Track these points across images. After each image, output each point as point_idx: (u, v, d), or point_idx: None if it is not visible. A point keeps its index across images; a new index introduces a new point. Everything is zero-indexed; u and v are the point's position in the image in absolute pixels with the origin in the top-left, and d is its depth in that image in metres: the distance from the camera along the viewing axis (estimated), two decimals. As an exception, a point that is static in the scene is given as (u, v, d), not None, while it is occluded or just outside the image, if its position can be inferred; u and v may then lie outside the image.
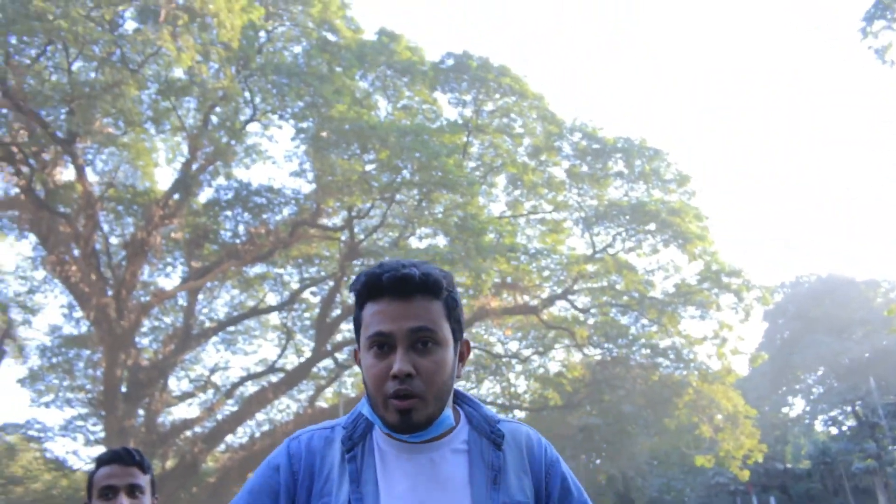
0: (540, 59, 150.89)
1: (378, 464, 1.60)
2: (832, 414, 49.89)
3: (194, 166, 24.32)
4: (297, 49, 25.35)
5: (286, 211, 25.85)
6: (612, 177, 27.80)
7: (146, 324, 27.04)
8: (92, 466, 2.77)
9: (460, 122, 26.41)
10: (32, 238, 24.30)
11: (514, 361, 31.07)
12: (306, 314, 29.77)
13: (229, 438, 29.11)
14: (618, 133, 29.30)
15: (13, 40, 18.62)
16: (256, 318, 29.95)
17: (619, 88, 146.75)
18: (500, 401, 32.79)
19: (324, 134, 22.84)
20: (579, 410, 32.31)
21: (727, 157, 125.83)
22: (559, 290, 28.05)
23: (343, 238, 26.17)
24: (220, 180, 25.65)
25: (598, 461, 40.18)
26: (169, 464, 26.98)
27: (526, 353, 30.97)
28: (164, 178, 77.20)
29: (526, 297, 27.46)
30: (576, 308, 28.41)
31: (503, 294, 27.05)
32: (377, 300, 1.60)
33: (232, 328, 29.40)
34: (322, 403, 30.45)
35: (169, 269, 27.42)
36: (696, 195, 27.81)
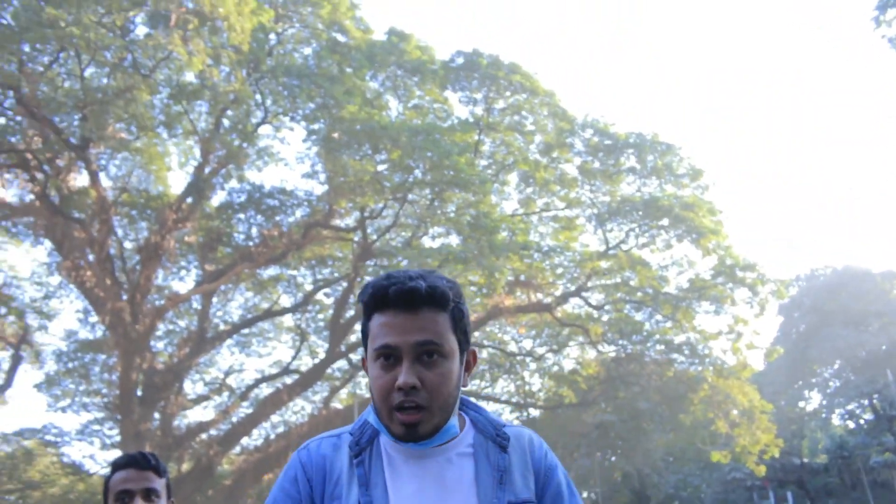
0: (550, 55, 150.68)
1: (386, 468, 1.62)
2: (849, 407, 49.62)
3: (207, 170, 24.39)
4: (308, 51, 25.39)
5: (299, 212, 25.94)
6: (624, 172, 27.69)
7: (161, 327, 27.16)
8: (108, 471, 2.76)
9: (471, 120, 26.37)
10: (48, 244, 24.48)
11: (528, 359, 31.04)
12: (320, 315, 29.84)
13: (244, 441, 29.21)
14: (630, 128, 29.25)
15: (26, 48, 18.72)
16: (270, 320, 30.03)
17: (631, 84, 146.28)
18: (514, 399, 32.79)
19: (335, 135, 22.86)
20: (594, 408, 32.27)
21: (740, 151, 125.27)
22: (573, 288, 27.97)
23: (356, 239, 26.20)
24: (233, 183, 25.78)
25: (613, 458, 40.13)
26: (185, 467, 27.09)
27: (540, 350, 30.93)
28: (177, 182, 77.55)
29: (539, 295, 27.41)
30: (590, 305, 28.35)
31: (517, 292, 27.01)
32: (384, 312, 1.62)
33: (246, 330, 29.48)
34: (337, 405, 30.51)
35: (183, 272, 27.59)
36: (709, 189, 27.65)
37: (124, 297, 23.65)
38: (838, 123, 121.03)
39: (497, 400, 32.47)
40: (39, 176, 21.83)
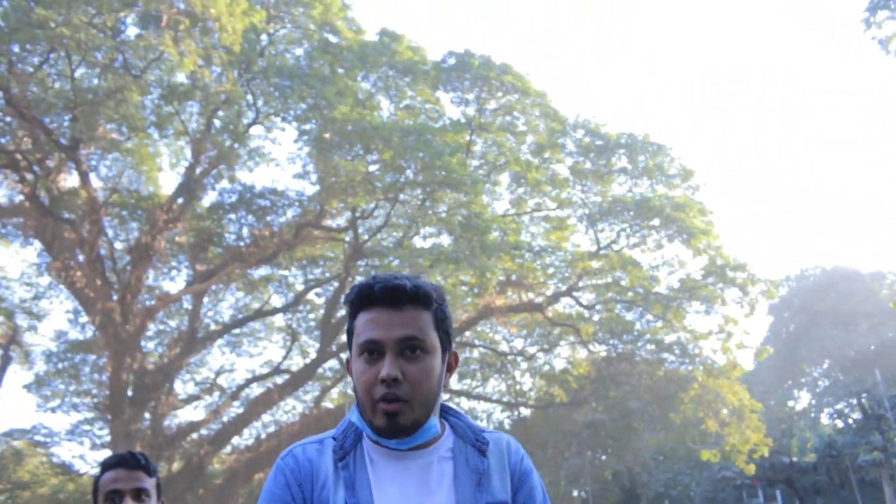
0: (542, 56, 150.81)
1: (370, 470, 1.65)
2: (838, 407, 49.88)
3: (198, 170, 24.34)
4: (299, 51, 25.35)
5: (290, 213, 25.90)
6: (615, 173, 27.75)
7: (151, 328, 27.09)
8: (98, 471, 2.76)
9: (463, 120, 26.38)
10: (37, 244, 24.37)
11: (519, 359, 31.08)
12: (311, 315, 29.83)
13: (235, 440, 29.18)
14: (621, 129, 29.21)
15: (16, 48, 18.63)
16: (261, 320, 29.98)
17: (622, 84, 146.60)
18: (506, 398, 32.84)
19: (327, 135, 22.84)
20: (585, 407, 32.35)
21: (731, 151, 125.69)
22: (564, 287, 28.03)
23: (347, 239, 26.20)
24: (224, 184, 25.73)
25: (604, 457, 40.20)
26: (175, 466, 27.05)
27: (531, 350, 30.97)
28: (167, 182, 77.36)
29: (531, 295, 27.46)
30: (581, 305, 28.40)
31: (508, 292, 27.06)
32: (369, 309, 1.67)
33: (237, 330, 29.43)
34: (328, 404, 30.49)
35: (174, 272, 27.53)
36: (699, 190, 27.76)
37: (114, 298, 23.57)
38: (829, 124, 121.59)
39: (488, 399, 32.53)
40: (29, 176, 21.72)
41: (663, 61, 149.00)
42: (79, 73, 20.49)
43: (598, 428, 34.40)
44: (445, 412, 1.81)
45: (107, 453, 26.52)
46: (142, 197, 25.47)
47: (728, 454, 27.85)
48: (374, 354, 1.64)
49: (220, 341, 28.92)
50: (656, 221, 26.60)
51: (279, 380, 28.71)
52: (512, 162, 27.39)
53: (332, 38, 25.37)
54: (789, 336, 56.43)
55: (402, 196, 24.04)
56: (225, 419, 28.22)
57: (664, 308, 26.99)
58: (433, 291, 1.71)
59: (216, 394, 29.98)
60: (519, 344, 31.35)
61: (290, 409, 31.43)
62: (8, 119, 20.18)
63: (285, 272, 28.38)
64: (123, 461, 2.68)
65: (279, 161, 50.88)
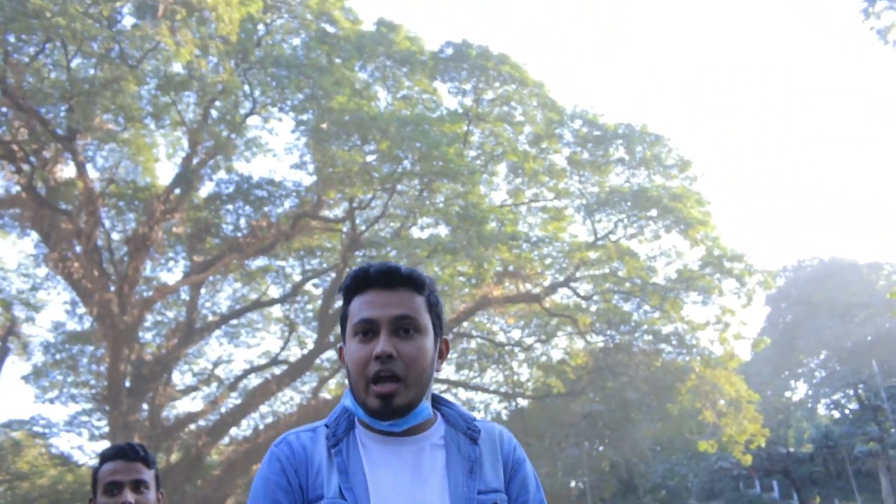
0: (539, 46, 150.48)
1: (363, 456, 1.67)
2: (835, 397, 49.88)
3: (195, 161, 24.29)
4: (296, 41, 25.29)
5: (287, 203, 25.87)
6: (613, 163, 27.72)
7: (149, 319, 27.05)
8: (96, 462, 2.77)
9: (460, 111, 26.33)
10: (34, 235, 24.33)
11: (516, 350, 31.10)
12: (309, 306, 29.80)
13: (233, 431, 29.18)
14: (619, 119, 29.23)
15: (11, 38, 18.59)
16: (259, 311, 29.96)
17: (620, 75, 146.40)
18: (503, 389, 32.86)
19: (324, 126, 22.80)
20: (582, 398, 32.37)
21: (728, 142, 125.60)
22: (561, 278, 28.04)
23: (345, 229, 26.18)
24: (221, 174, 25.67)
25: (601, 448, 40.24)
26: (173, 457, 27.05)
27: (528, 341, 30.99)
28: (164, 173, 77.00)
29: (528, 286, 27.47)
30: (578, 295, 28.41)
31: (505, 282, 27.07)
32: (364, 292, 1.74)
33: (235, 321, 29.41)
34: (325, 395, 30.48)
35: (171, 263, 27.49)
36: (697, 180, 27.72)
37: (112, 289, 23.56)
38: (826, 116, 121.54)
39: (486, 390, 32.56)
40: (26, 167, 21.67)
41: (661, 53, 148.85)
42: (75, 63, 20.43)
43: (595, 419, 34.40)
44: (437, 402, 1.83)
45: (105, 444, 26.59)
46: (139, 187, 25.42)
47: (725, 445, 27.87)
48: (368, 334, 1.68)
49: (217, 332, 28.93)
50: (654, 212, 26.59)
51: (277, 370, 28.72)
52: (509, 152, 27.34)
53: (330, 28, 25.30)
54: (786, 327, 56.53)
55: (399, 186, 24.02)
56: (223, 410, 28.22)
57: (661, 299, 27.00)
58: (426, 278, 1.77)
59: (214, 385, 30.01)
60: (516, 334, 31.39)
61: (288, 399, 31.47)
62: (4, 109, 20.14)
63: (283, 263, 28.37)
64: (122, 453, 2.69)
65: (276, 151, 50.47)
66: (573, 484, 42.89)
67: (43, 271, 26.25)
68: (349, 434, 1.71)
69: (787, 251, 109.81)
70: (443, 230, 24.88)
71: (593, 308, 28.49)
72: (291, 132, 29.07)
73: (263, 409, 30.14)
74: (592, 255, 27.18)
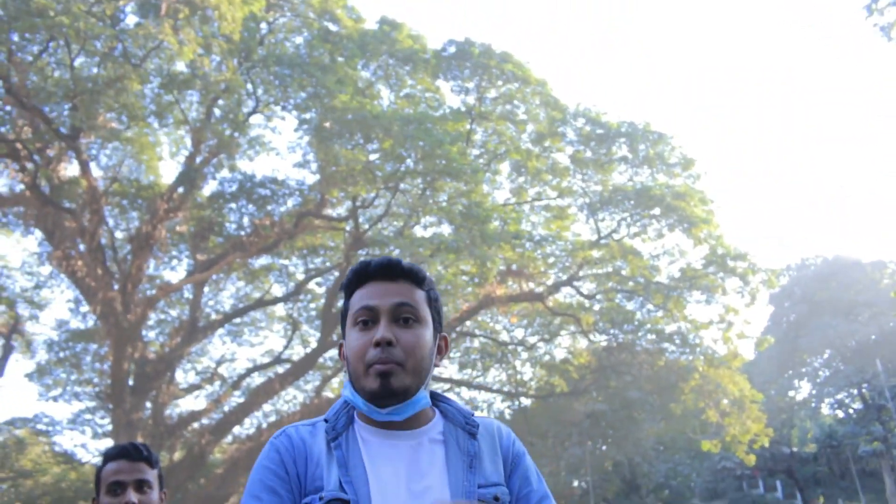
0: (542, 44, 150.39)
1: (363, 450, 1.67)
2: (839, 397, 49.83)
3: (198, 159, 24.31)
4: (299, 40, 25.23)
5: (290, 202, 25.83)
6: (616, 162, 27.66)
7: (152, 317, 27.10)
8: (100, 460, 2.77)
9: (463, 109, 26.30)
10: (38, 234, 24.37)
11: (519, 349, 31.06)
12: (312, 305, 29.79)
13: (236, 430, 29.18)
14: (621, 118, 29.10)
15: (15, 37, 18.59)
16: (262, 310, 29.95)
17: (623, 73, 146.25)
18: (506, 388, 32.85)
19: (327, 124, 22.79)
20: (585, 397, 32.35)
21: (731, 141, 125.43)
22: (564, 277, 27.99)
23: (348, 228, 26.18)
24: (224, 173, 25.66)
25: (604, 447, 40.24)
26: (177, 456, 27.08)
27: (532, 340, 30.96)
28: (168, 171, 77.19)
29: (531, 284, 27.44)
30: (581, 294, 28.38)
31: (508, 281, 27.04)
32: (365, 285, 1.76)
33: (238, 320, 29.41)
34: (329, 394, 30.49)
35: (174, 262, 27.49)
36: (700, 179, 27.65)
37: (115, 287, 23.58)
38: (830, 114, 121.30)
39: (489, 389, 32.54)
40: (29, 166, 21.70)
41: (663, 52, 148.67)
42: (78, 61, 20.45)
43: (598, 418, 34.41)
44: (435, 398, 1.84)
45: (108, 442, 26.65)
46: (142, 186, 25.45)
47: (728, 444, 27.84)
48: (368, 323, 1.69)
49: (220, 331, 28.94)
50: (657, 210, 26.54)
51: (280, 369, 28.74)
52: (512, 151, 27.31)
53: (332, 27, 25.30)
54: (790, 326, 56.37)
55: (402, 185, 24.01)
56: (226, 409, 28.25)
57: (665, 298, 26.96)
58: (426, 274, 1.79)
59: (217, 383, 30.00)
60: (519, 333, 31.36)
61: (291, 398, 31.47)
62: (8, 108, 20.18)
63: (286, 261, 28.37)
64: (126, 453, 2.69)
65: (279, 150, 50.81)
66: (576, 483, 42.92)
67: (47, 269, 26.32)
68: (348, 429, 1.72)
69: (790, 250, 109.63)
70: (446, 229, 24.88)
71: (596, 307, 28.45)
72: (294, 131, 29.05)
73: (266, 407, 30.18)
74: (596, 253, 27.14)
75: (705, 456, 40.67)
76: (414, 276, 1.76)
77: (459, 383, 30.62)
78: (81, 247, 23.11)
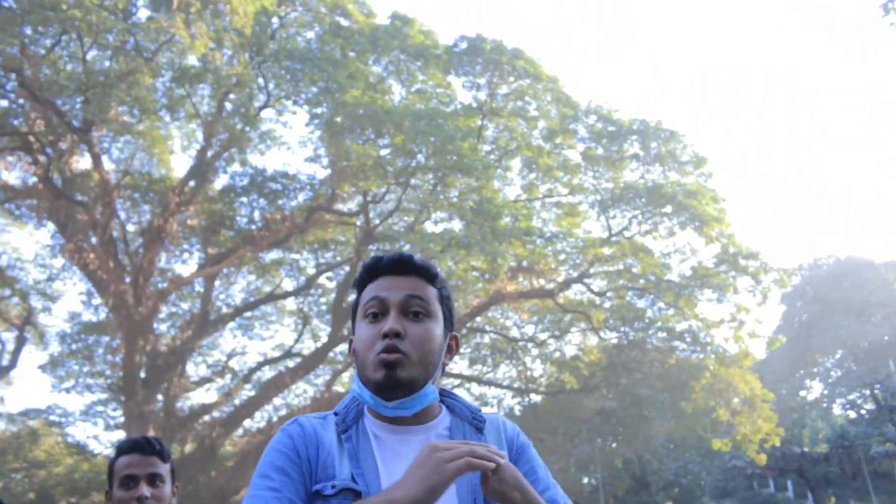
0: (554, 41, 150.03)
1: (373, 444, 1.67)
2: (851, 397, 49.56)
3: (209, 153, 24.40)
4: (310, 34, 25.28)
5: (301, 196, 25.86)
6: (627, 159, 27.57)
7: (164, 310, 27.21)
8: (112, 453, 2.78)
9: (475, 105, 26.27)
10: (51, 226, 24.52)
11: (530, 345, 31.01)
12: (322, 299, 29.83)
13: (247, 423, 29.30)
14: (633, 115, 28.98)
15: (28, 31, 18.71)
16: (273, 304, 30.03)
17: (634, 71, 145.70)
18: (516, 384, 32.82)
19: (338, 119, 22.82)
20: (596, 394, 32.29)
21: (743, 140, 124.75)
22: (575, 274, 27.92)
23: (358, 223, 26.20)
24: (236, 167, 25.71)
25: (614, 444, 40.18)
26: (188, 448, 27.21)
27: (542, 336, 30.89)
28: (179, 165, 77.61)
29: (542, 281, 27.40)
30: (592, 291, 28.31)
31: (519, 278, 26.99)
32: (375, 280, 1.75)
33: (249, 314, 29.50)
34: (339, 388, 30.56)
35: (186, 255, 27.55)
36: (712, 177, 27.52)
37: (127, 280, 23.72)
38: (843, 112, 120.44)
39: (499, 385, 32.52)
40: (42, 159, 21.84)
41: (675, 50, 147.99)
42: (90, 55, 20.51)
43: (608, 415, 34.35)
44: (442, 394, 1.83)
45: (120, 434, 26.84)
46: (154, 179, 25.53)
47: (739, 443, 27.75)
48: (378, 316, 1.69)
49: (231, 324, 29.04)
50: (668, 208, 26.43)
51: (291, 363, 28.80)
52: (523, 147, 27.24)
53: (344, 22, 25.30)
54: (802, 325, 56.11)
55: (413, 180, 24.01)
56: (237, 402, 28.36)
57: (676, 296, 26.86)
58: (439, 272, 1.79)
59: (228, 376, 30.13)
60: (530, 330, 31.29)
61: (302, 392, 31.54)
62: (21, 101, 20.30)
63: (297, 256, 28.40)
64: (139, 446, 2.70)
65: (290, 144, 50.78)
66: (586, 480, 42.92)
67: (59, 262, 26.47)
68: (358, 422, 1.72)
69: (802, 249, 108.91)
70: (457, 225, 24.85)
71: (607, 304, 28.37)
72: (305, 125, 29.11)
73: (277, 401, 30.27)
74: (606, 251, 27.05)
75: (716, 454, 40.56)
76: (426, 273, 1.76)
77: (470, 379, 30.64)
78: (93, 239, 23.25)
